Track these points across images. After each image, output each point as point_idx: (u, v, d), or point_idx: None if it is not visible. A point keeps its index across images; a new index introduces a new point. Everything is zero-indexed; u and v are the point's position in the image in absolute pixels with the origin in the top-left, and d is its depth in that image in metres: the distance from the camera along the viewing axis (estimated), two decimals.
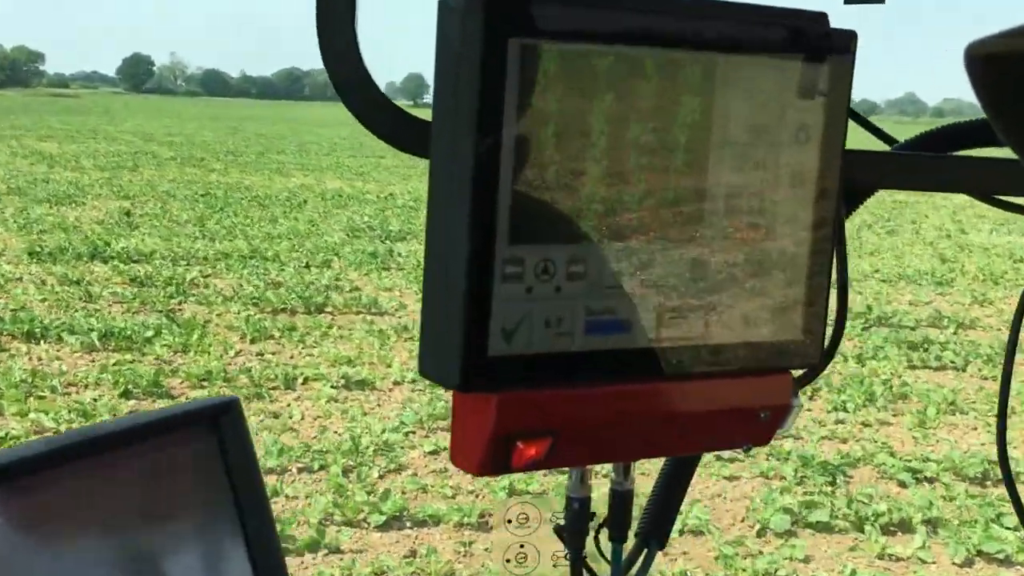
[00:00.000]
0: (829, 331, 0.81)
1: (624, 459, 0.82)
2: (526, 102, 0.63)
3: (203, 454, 0.90)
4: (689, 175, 0.70)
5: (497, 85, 0.63)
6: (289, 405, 6.17)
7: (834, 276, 0.80)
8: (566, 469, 0.79)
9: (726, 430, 0.78)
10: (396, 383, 6.66)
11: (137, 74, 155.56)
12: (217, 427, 0.91)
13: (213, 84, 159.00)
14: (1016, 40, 0.48)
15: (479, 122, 0.63)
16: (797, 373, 0.80)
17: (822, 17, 0.75)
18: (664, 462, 1.07)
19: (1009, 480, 1.01)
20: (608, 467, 0.83)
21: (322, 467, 5.20)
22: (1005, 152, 0.60)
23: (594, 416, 0.71)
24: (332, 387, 6.50)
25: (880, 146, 1.05)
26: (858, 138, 0.90)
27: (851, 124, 0.86)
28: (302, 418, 5.95)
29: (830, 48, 0.74)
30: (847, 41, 0.75)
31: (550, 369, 0.68)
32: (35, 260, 10.21)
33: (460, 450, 0.70)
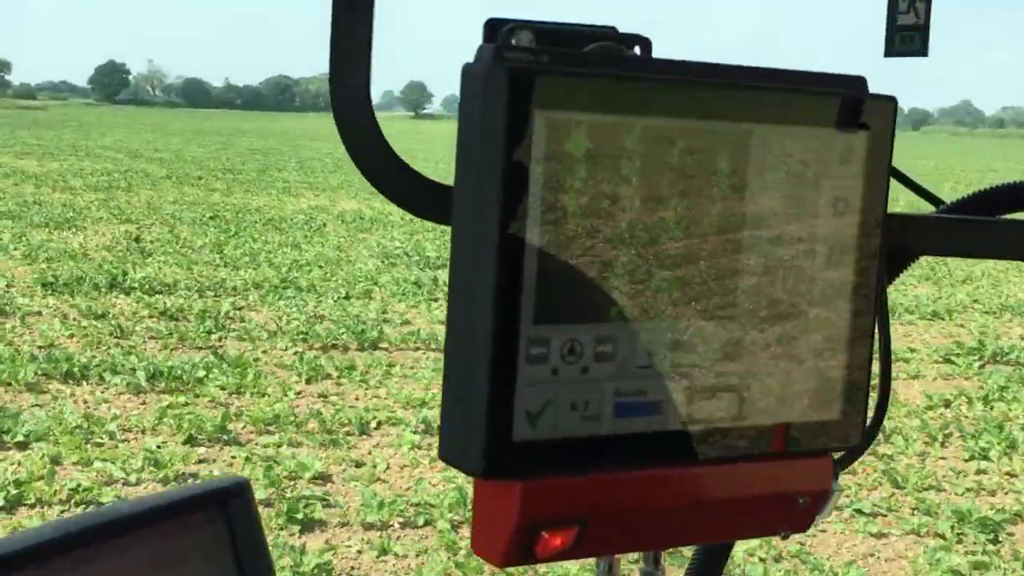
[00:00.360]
0: (872, 408, 0.82)
1: (655, 547, 0.82)
2: (553, 176, 0.65)
3: (212, 539, 0.92)
4: (722, 249, 0.72)
5: (523, 158, 0.65)
6: (371, 452, 6.19)
7: (876, 349, 0.82)
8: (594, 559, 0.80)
9: (762, 516, 0.79)
10: None
11: (111, 83, 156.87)
12: (226, 510, 0.93)
13: (194, 94, 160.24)
14: None
15: (504, 196, 0.64)
16: (838, 454, 0.81)
17: (860, 82, 0.77)
18: (696, 549, 1.07)
19: None
20: (637, 556, 0.84)
21: (428, 522, 5.21)
22: None
23: (623, 503, 0.72)
24: (413, 432, 6.52)
25: (926, 207, 1.08)
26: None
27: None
28: (388, 467, 5.96)
29: (869, 115, 0.76)
30: (886, 107, 0.77)
31: (577, 454, 0.69)
32: (50, 291, 10.27)
33: (482, 538, 0.71)
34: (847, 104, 0.76)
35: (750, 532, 0.81)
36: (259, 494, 5.16)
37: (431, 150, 37.96)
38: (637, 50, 0.78)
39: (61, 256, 12.47)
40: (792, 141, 0.74)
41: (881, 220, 0.78)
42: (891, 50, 1.02)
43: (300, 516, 5.12)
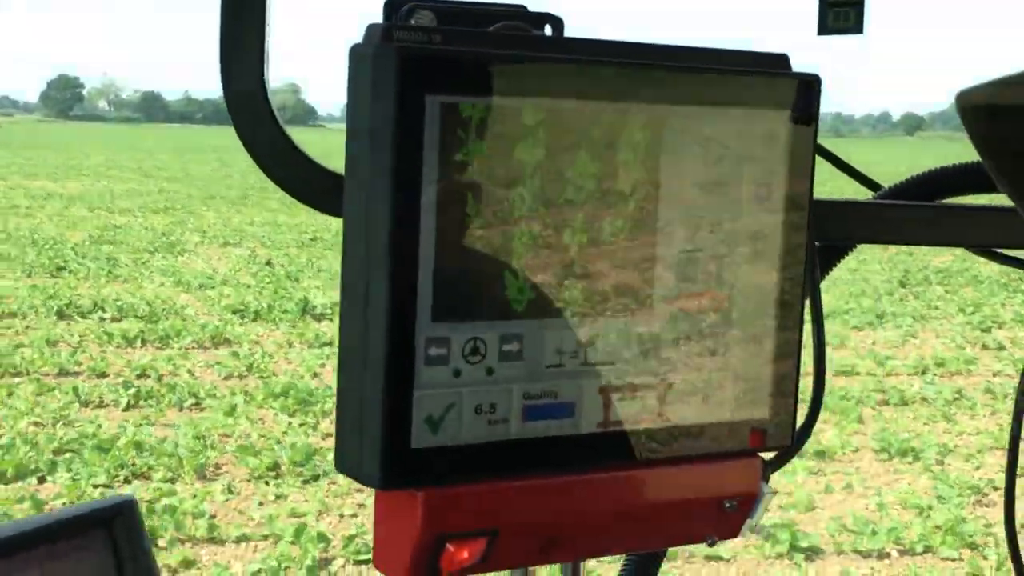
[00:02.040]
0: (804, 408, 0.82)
1: (572, 558, 0.81)
2: (448, 164, 0.64)
3: (97, 562, 0.91)
4: (636, 240, 0.70)
5: (415, 145, 0.63)
6: None
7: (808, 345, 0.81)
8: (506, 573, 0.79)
9: (687, 522, 0.77)
10: None
11: (64, 99, 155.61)
12: (110, 531, 0.92)
13: (151, 108, 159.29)
14: (1004, 91, 0.52)
15: (396, 185, 0.63)
16: (768, 456, 0.81)
17: (783, 60, 0.77)
18: (623, 561, 1.04)
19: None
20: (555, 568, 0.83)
21: None
22: (1002, 199, 0.72)
23: (536, 512, 0.71)
24: None
25: (863, 193, 1.06)
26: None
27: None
28: None
29: (791, 94, 0.75)
30: (810, 85, 0.76)
31: (483, 461, 0.68)
32: (247, 319, 10.41)
33: (384, 553, 0.70)
34: (768, 83, 0.75)
35: (675, 540, 0.80)
36: None
37: None
38: (548, 30, 0.76)
39: (210, 282, 12.59)
40: (710, 123, 0.72)
41: (808, 206, 0.77)
42: (825, 28, 1.00)
43: None
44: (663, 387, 0.73)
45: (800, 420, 0.82)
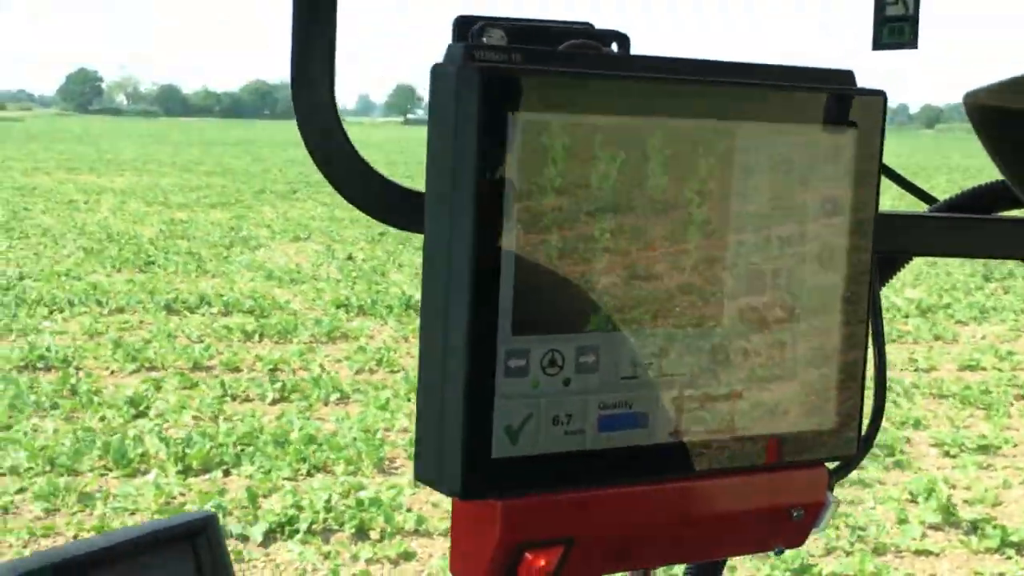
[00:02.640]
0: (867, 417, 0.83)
1: (644, 566, 0.81)
2: (529, 181, 0.65)
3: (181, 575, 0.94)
4: (707, 253, 0.72)
5: (497, 162, 0.64)
6: None
7: (871, 356, 0.82)
8: None
9: (755, 531, 0.79)
10: None
11: (83, 92, 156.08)
12: (194, 546, 0.94)
13: (170, 102, 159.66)
14: (1012, 94, 0.54)
15: (478, 202, 0.64)
16: (832, 465, 0.82)
17: (848, 76, 0.77)
18: (686, 568, 1.06)
19: None
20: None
21: None
22: None
23: (611, 521, 0.72)
24: None
25: (918, 205, 1.07)
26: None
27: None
28: None
29: (857, 111, 0.76)
30: (875, 102, 0.77)
31: (560, 471, 0.69)
32: (354, 313, 10.46)
33: (461, 561, 0.71)
34: (834, 99, 0.75)
35: (743, 548, 0.81)
36: None
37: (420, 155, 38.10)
38: (615, 47, 0.77)
39: (299, 277, 12.63)
40: (778, 139, 0.73)
41: (872, 220, 0.78)
42: (879, 43, 1.01)
43: None
44: (733, 397, 0.74)
45: (864, 429, 0.82)
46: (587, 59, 0.70)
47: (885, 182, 0.88)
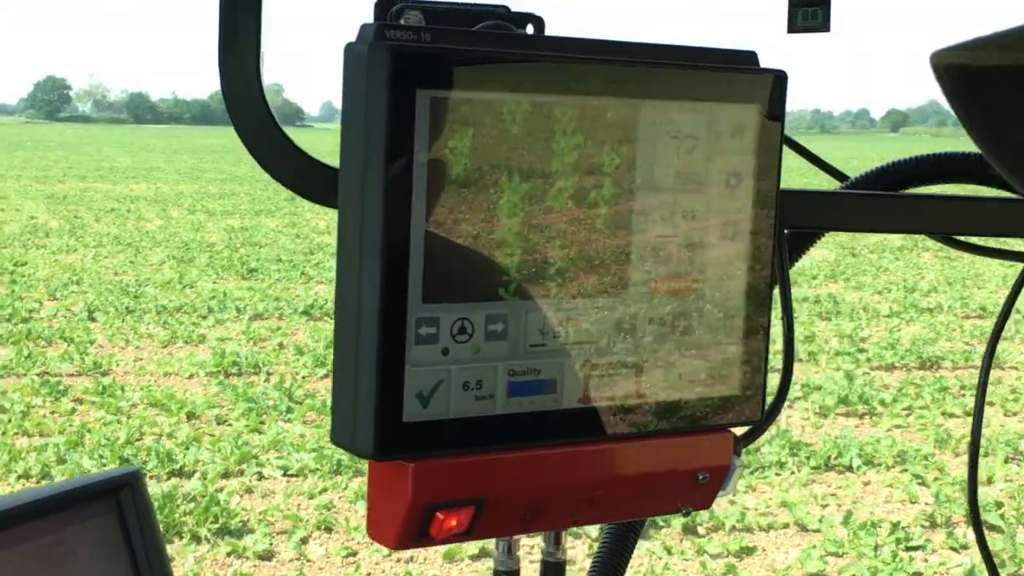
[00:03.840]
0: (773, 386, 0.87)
1: (555, 527, 0.85)
2: (437, 155, 0.68)
3: (103, 532, 0.93)
4: (613, 226, 0.75)
5: (406, 138, 0.67)
6: None
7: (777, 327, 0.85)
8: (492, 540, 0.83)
9: (663, 493, 0.82)
10: None
11: (52, 100, 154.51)
12: (118, 502, 0.94)
13: (139, 109, 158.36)
14: (977, 53, 0.53)
15: (387, 177, 0.67)
16: (741, 432, 0.86)
17: (751, 57, 0.81)
18: (603, 530, 1.09)
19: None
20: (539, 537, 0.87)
21: None
22: (965, 189, 0.76)
23: (520, 482, 0.75)
24: None
25: (830, 183, 1.12)
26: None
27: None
28: None
29: (758, 89, 0.80)
30: (776, 80, 0.80)
31: (471, 434, 0.72)
32: None
33: (376, 522, 0.74)
34: (737, 79, 0.79)
35: (651, 509, 0.85)
36: None
37: None
38: (530, 29, 0.80)
39: None
40: (681, 116, 0.76)
41: (776, 194, 0.81)
42: (793, 26, 1.04)
43: None
44: (639, 365, 0.77)
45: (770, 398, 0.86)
46: (497, 39, 0.74)
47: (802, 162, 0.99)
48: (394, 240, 0.68)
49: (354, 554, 5.02)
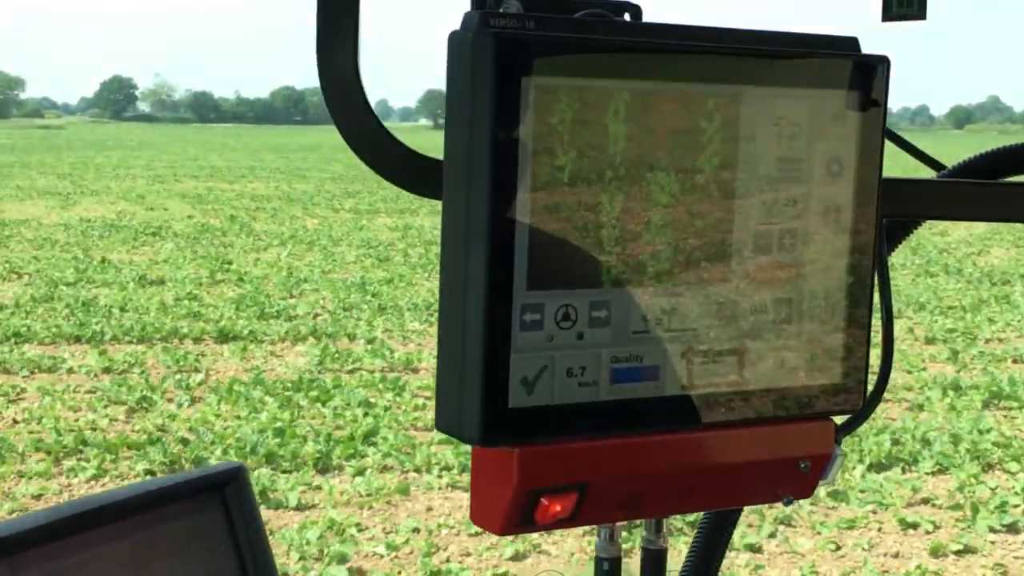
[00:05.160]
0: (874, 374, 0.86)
1: (656, 515, 0.85)
2: (542, 142, 0.69)
3: (209, 525, 0.96)
4: (715, 213, 0.75)
5: (511, 126, 0.68)
6: None
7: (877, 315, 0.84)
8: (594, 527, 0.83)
9: (765, 481, 0.82)
10: None
11: (118, 100, 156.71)
12: (223, 496, 0.97)
13: (203, 108, 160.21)
14: None
15: (494, 164, 0.68)
16: (840, 420, 0.85)
17: (853, 43, 0.80)
18: (701, 518, 1.10)
19: None
20: (640, 524, 0.87)
21: None
22: None
23: (623, 470, 0.75)
24: None
25: (927, 172, 1.11)
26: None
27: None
28: None
29: (861, 76, 0.79)
30: (879, 67, 0.79)
31: (574, 420, 0.73)
32: None
33: (481, 508, 0.75)
34: (839, 65, 0.78)
35: (753, 498, 0.85)
36: None
37: None
38: (627, 16, 0.80)
39: None
40: (783, 103, 0.76)
41: (877, 182, 0.81)
42: (888, 13, 1.03)
43: None
44: (741, 352, 0.78)
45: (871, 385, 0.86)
46: (598, 26, 0.74)
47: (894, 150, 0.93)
48: (499, 228, 0.69)
49: None
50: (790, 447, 0.82)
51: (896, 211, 1.01)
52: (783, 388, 0.80)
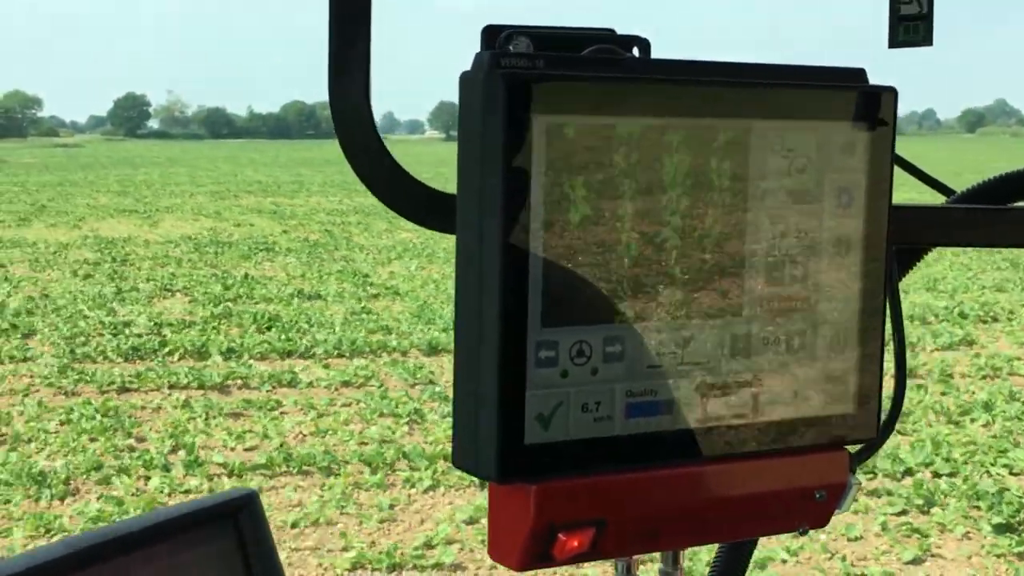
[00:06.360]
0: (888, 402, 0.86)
1: (673, 547, 0.86)
2: (553, 180, 0.70)
3: (222, 552, 0.96)
4: (726, 245, 0.76)
5: (523, 164, 0.69)
6: None
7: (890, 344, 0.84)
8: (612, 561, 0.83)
9: (781, 512, 0.83)
10: None
11: (132, 117, 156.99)
12: (236, 523, 0.97)
13: (216, 124, 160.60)
14: None
15: (506, 201, 0.69)
16: (854, 449, 0.85)
17: (860, 74, 0.81)
18: (717, 549, 1.11)
19: None
20: (656, 556, 0.87)
21: None
22: None
23: (640, 503, 0.76)
24: None
25: (936, 198, 1.10)
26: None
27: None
28: None
29: (869, 106, 0.80)
30: (887, 97, 0.81)
31: (590, 455, 0.73)
32: None
33: (498, 544, 0.76)
34: (846, 96, 0.80)
35: (769, 529, 0.85)
36: None
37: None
38: (636, 52, 0.81)
39: None
40: (792, 136, 0.77)
41: (887, 211, 0.81)
42: (895, 41, 1.04)
43: None
44: (755, 384, 0.79)
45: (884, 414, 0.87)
46: (607, 64, 0.76)
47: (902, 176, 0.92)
48: (513, 266, 0.69)
49: None
50: (805, 477, 0.83)
51: (906, 238, 1.02)
52: (797, 419, 0.81)
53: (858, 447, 0.87)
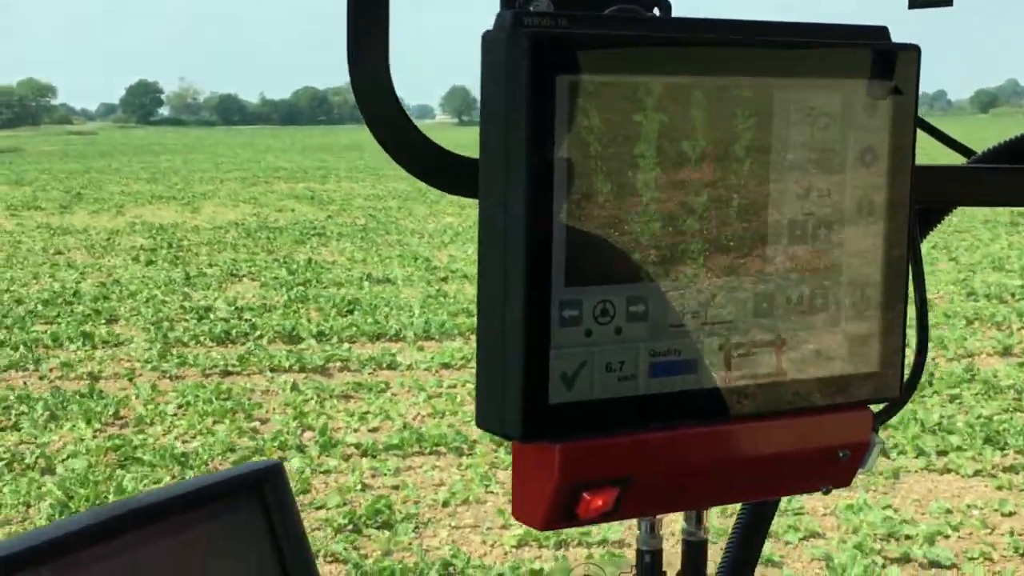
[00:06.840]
0: (910, 361, 0.86)
1: (696, 507, 0.86)
2: (577, 139, 0.69)
3: (247, 523, 0.97)
4: (749, 205, 0.76)
5: (546, 123, 0.68)
6: None
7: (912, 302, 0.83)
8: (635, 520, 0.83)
9: (803, 471, 0.83)
10: None
11: (144, 104, 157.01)
12: (261, 494, 0.98)
13: (228, 111, 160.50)
14: None
15: (529, 162, 0.68)
16: (877, 409, 0.85)
17: (882, 32, 0.81)
18: (740, 508, 1.11)
19: None
20: (680, 516, 0.87)
21: None
22: None
23: (663, 462, 0.76)
24: None
25: (956, 159, 1.09)
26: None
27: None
28: None
29: (892, 65, 0.79)
30: (910, 56, 0.80)
31: (614, 415, 0.73)
32: None
33: (522, 503, 0.76)
34: (869, 54, 0.79)
35: (792, 488, 0.85)
36: None
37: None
38: (656, 11, 0.81)
39: None
40: (815, 94, 0.77)
41: (910, 170, 0.81)
42: (915, 1, 1.03)
43: None
44: (778, 343, 0.78)
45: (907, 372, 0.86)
46: (630, 22, 0.76)
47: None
48: (537, 225, 0.69)
49: None
50: (829, 436, 0.83)
51: (928, 198, 1.01)
52: (821, 378, 0.80)
53: (881, 407, 0.87)
